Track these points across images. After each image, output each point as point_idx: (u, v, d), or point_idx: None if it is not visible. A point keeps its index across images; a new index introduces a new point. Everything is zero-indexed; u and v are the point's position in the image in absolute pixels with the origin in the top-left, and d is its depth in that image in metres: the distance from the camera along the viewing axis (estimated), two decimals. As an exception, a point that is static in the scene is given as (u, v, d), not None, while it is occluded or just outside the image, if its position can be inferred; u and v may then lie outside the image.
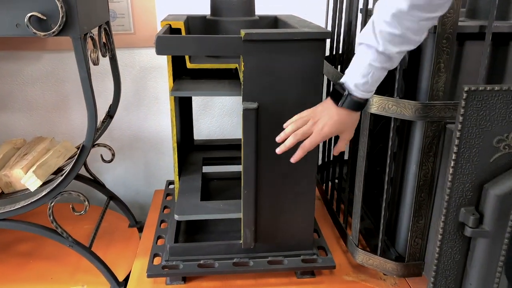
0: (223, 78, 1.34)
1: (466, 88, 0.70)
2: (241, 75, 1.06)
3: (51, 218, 1.20)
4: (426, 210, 1.08)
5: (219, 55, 1.15)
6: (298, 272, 1.23)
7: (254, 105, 1.05)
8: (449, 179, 0.74)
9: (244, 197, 1.13)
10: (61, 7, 1.00)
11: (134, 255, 1.43)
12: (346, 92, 0.89)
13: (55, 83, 1.73)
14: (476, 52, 1.01)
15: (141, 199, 1.94)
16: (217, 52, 1.02)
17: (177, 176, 1.36)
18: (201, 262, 1.18)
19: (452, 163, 0.74)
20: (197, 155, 1.55)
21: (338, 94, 0.90)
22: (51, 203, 1.19)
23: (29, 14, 1.00)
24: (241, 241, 1.19)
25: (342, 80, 0.90)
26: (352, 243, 1.22)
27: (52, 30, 1.02)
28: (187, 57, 1.23)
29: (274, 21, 1.43)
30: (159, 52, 1.01)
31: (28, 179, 1.21)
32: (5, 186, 1.27)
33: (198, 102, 1.79)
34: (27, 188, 1.26)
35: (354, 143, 1.29)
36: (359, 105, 0.90)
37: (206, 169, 1.55)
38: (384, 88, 1.09)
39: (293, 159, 0.94)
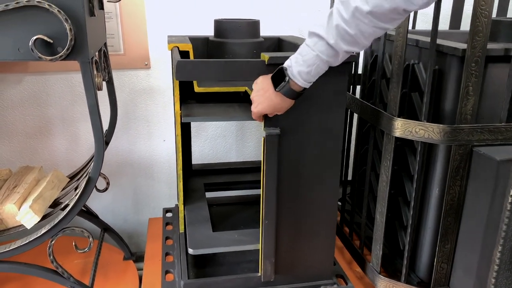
0: (229, 102, 1.29)
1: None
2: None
3: (51, 257, 1.10)
4: (452, 235, 1.06)
5: (242, 80, 1.10)
6: (317, 303, 1.18)
7: (276, 130, 1.01)
8: (508, 208, 0.72)
9: (265, 228, 1.07)
10: (70, 29, 0.93)
11: (135, 291, 1.34)
12: (287, 78, 0.89)
13: (37, 108, 1.62)
14: (497, 74, 1.01)
15: (129, 228, 1.84)
16: (239, 77, 0.97)
17: (182, 205, 1.29)
18: (218, 298, 1.11)
19: None
20: (197, 180, 1.48)
21: (279, 77, 0.90)
22: (52, 240, 1.09)
23: (34, 37, 0.92)
24: (259, 274, 1.13)
25: (286, 64, 0.90)
26: (373, 270, 1.19)
27: (60, 54, 0.94)
28: (195, 81, 1.17)
29: (277, 42, 1.40)
30: (179, 77, 0.94)
31: (24, 215, 1.10)
32: (-4, 223, 1.15)
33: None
34: (21, 225, 1.16)
35: (363, 164, 1.27)
36: (295, 94, 0.91)
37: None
38: (401, 111, 1.08)
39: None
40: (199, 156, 1.78)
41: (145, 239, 1.83)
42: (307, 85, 0.90)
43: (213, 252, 1.11)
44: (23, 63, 1.55)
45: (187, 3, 1.59)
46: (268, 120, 1.01)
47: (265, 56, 0.96)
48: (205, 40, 1.35)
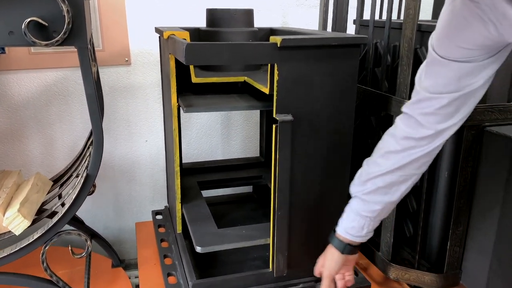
0: (227, 93, 1.24)
1: None
2: (267, 87, 0.97)
3: (45, 265, 1.00)
4: (464, 217, 1.06)
5: (252, 63, 1.06)
6: (328, 297, 1.14)
7: (289, 117, 0.96)
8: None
9: (278, 220, 1.02)
10: (67, 11, 0.85)
11: (130, 299, 1.25)
12: (333, 234, 1.00)
13: (8, 109, 1.50)
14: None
15: (111, 235, 1.73)
16: (251, 61, 0.93)
17: (180, 204, 1.22)
18: (229, 297, 1.05)
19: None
20: (189, 179, 1.41)
21: (331, 236, 1.01)
22: (46, 246, 0.99)
23: (27, 20, 0.83)
24: (270, 269, 1.08)
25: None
26: (384, 259, 1.16)
27: (56, 39, 0.86)
28: (192, 71, 1.12)
29: (269, 33, 1.36)
30: (188, 61, 0.88)
31: (12, 220, 1.00)
32: (-23, 231, 1.04)
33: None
34: (5, 233, 1.05)
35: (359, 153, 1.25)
36: (345, 247, 0.98)
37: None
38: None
39: None
40: (184, 156, 1.71)
41: (128, 246, 1.74)
42: (357, 239, 0.97)
43: (221, 249, 1.05)
44: (-10, 60, 1.43)
45: (169, -4, 1.53)
46: (279, 105, 0.97)
47: (277, 39, 0.92)
48: (195, 31, 1.29)
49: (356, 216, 0.94)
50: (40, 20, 0.84)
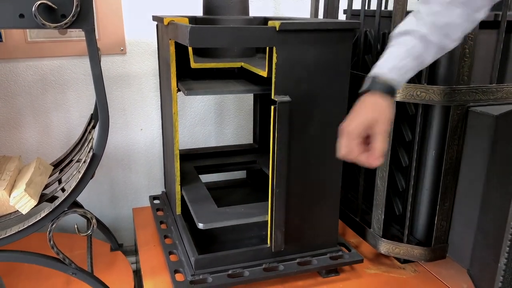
0: (224, 78, 1.28)
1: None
2: (265, 70, 1.02)
3: (52, 243, 1.03)
4: (451, 193, 1.13)
5: (252, 46, 1.10)
6: (323, 272, 1.20)
7: (287, 98, 1.02)
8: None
9: (276, 197, 1.07)
10: (76, -6, 0.89)
11: (131, 279, 1.29)
12: (371, 80, 0.82)
13: (4, 98, 1.52)
14: (487, 39, 1.08)
15: (106, 222, 1.75)
16: (251, 44, 0.98)
17: (179, 186, 1.26)
18: (230, 272, 1.10)
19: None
20: (186, 164, 1.45)
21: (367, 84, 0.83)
22: (52, 224, 1.03)
23: (38, 2, 0.87)
24: (268, 245, 1.13)
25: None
26: (375, 235, 1.22)
27: (65, 21, 0.90)
28: (191, 57, 1.16)
29: (264, 21, 1.41)
30: (192, 43, 0.93)
31: (19, 199, 1.03)
32: (-16, 212, 1.07)
33: (170, 112, 1.69)
34: (11, 213, 1.08)
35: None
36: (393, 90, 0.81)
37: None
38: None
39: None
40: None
41: (124, 234, 1.77)
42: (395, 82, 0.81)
43: (221, 225, 1.10)
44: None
45: (164, -14, 1.57)
46: (278, 87, 1.02)
47: (276, 22, 0.97)
48: (191, 19, 1.33)
49: (408, 57, 0.79)
50: (49, 3, 0.88)
